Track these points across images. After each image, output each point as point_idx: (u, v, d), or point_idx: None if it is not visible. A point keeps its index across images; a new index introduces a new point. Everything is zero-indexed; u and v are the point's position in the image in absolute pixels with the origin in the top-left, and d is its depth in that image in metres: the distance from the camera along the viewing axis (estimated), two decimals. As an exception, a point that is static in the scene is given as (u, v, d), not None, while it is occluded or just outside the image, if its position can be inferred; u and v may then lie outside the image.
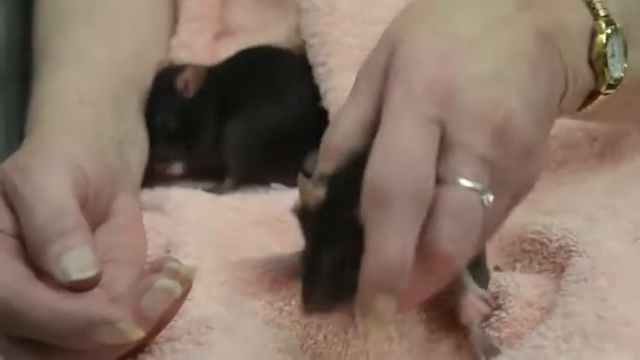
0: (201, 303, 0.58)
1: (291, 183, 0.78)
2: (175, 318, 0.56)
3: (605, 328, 0.53)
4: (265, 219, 0.69)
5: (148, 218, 0.67)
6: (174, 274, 0.52)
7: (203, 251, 0.63)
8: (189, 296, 0.58)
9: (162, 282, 0.52)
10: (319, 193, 0.50)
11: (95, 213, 0.60)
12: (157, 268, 0.53)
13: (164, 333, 0.55)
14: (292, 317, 0.62)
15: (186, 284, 0.53)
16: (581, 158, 0.75)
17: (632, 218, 0.64)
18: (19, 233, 0.55)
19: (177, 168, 0.80)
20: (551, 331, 0.53)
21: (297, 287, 0.62)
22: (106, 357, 0.53)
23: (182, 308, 0.58)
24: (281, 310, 0.62)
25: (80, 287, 0.52)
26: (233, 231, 0.67)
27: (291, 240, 0.68)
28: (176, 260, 0.54)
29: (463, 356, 0.59)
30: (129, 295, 0.52)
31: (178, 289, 0.52)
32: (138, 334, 0.50)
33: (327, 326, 0.60)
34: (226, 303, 0.59)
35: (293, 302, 0.62)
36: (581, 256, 0.59)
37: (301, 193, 0.51)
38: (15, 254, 0.54)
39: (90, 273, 0.52)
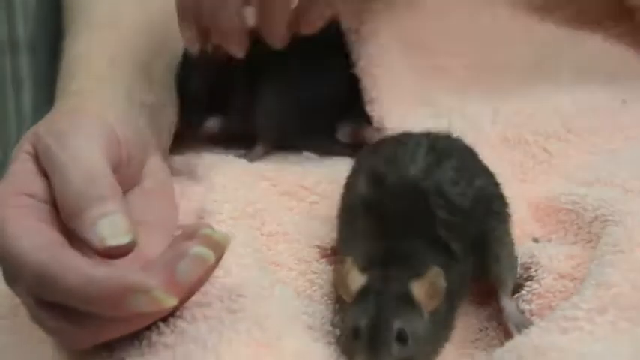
0: (233, 271, 0.58)
1: (322, 151, 0.78)
2: (207, 285, 0.56)
3: None
4: (297, 190, 0.69)
5: (179, 184, 0.68)
6: (209, 241, 0.52)
7: (236, 219, 0.63)
8: (220, 264, 0.58)
9: (198, 249, 0.51)
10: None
11: (127, 177, 0.60)
12: (191, 234, 0.52)
13: (195, 299, 0.55)
14: (323, 290, 0.62)
15: (219, 251, 0.53)
16: (613, 127, 0.75)
17: None
18: (51, 199, 0.55)
19: (212, 124, 0.80)
20: (585, 303, 0.53)
21: (328, 262, 0.64)
22: (137, 324, 0.52)
23: (213, 275, 0.58)
24: (312, 282, 0.63)
25: (115, 254, 0.52)
26: (265, 201, 0.67)
27: (323, 212, 0.68)
28: (210, 226, 0.53)
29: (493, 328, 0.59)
30: (162, 262, 0.51)
31: (212, 257, 0.51)
32: (171, 302, 0.50)
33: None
34: (258, 271, 0.59)
35: (324, 276, 0.63)
36: (617, 226, 0.58)
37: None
38: (48, 220, 0.54)
39: (125, 239, 0.52)
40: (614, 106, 0.76)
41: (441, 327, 0.54)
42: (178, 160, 0.75)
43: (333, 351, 0.56)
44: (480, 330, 0.60)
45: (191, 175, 0.69)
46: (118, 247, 0.52)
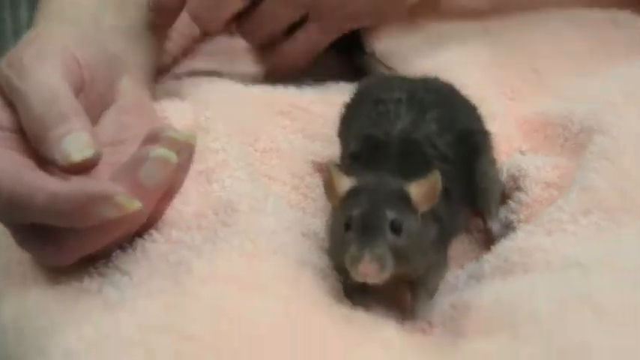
0: (227, 185, 0.59)
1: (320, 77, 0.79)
2: (202, 197, 0.58)
3: (627, 203, 0.54)
4: (292, 109, 0.70)
5: (171, 103, 0.69)
6: (171, 143, 0.53)
7: (230, 135, 0.64)
8: (214, 178, 0.59)
9: (158, 151, 0.52)
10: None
11: (95, 97, 0.61)
12: (154, 137, 0.53)
13: (190, 210, 0.57)
14: (316, 204, 0.64)
15: (187, 150, 0.54)
16: (606, 51, 0.75)
17: None
18: (19, 128, 0.56)
19: None
20: (569, 206, 0.54)
21: (321, 176, 0.65)
22: (114, 233, 0.53)
23: (207, 190, 0.59)
24: (306, 196, 0.64)
25: (80, 169, 0.53)
26: (259, 119, 0.68)
27: (317, 130, 0.69)
28: (173, 129, 0.54)
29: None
30: (125, 168, 0.52)
31: (174, 158, 0.52)
32: (135, 205, 0.50)
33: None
34: (251, 184, 0.60)
35: (318, 190, 0.64)
36: (603, 135, 0.59)
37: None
38: (16, 148, 0.55)
39: (88, 153, 0.53)
40: (607, 28, 0.77)
41: (433, 236, 0.55)
42: (174, 83, 0.76)
43: (328, 260, 0.57)
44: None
45: (185, 95, 0.70)
46: (83, 162, 0.53)
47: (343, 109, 0.65)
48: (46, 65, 0.57)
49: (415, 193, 0.52)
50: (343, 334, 0.51)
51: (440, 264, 0.56)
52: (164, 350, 0.46)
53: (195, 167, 0.59)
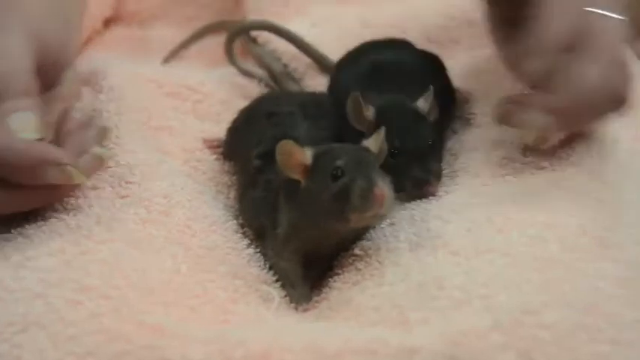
0: (121, 160, 0.64)
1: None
2: (100, 173, 0.62)
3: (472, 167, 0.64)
4: (181, 90, 0.75)
5: None
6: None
7: (121, 114, 0.68)
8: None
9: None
10: None
11: (55, 63, 0.63)
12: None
13: (90, 184, 0.61)
14: (206, 175, 0.69)
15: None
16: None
17: None
18: None
19: None
20: None
21: (211, 152, 0.70)
22: (51, 197, 0.59)
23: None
24: (196, 168, 0.69)
25: None
26: (151, 100, 0.72)
27: (207, 109, 0.75)
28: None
29: None
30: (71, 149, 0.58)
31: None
32: (81, 178, 0.57)
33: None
34: (145, 154, 0.65)
35: (208, 164, 0.70)
36: None
37: None
38: None
39: (33, 135, 0.57)
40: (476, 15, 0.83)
41: None
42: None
43: (222, 208, 0.64)
44: None
45: (83, 78, 0.73)
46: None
47: (229, 133, 0.70)
48: (14, 37, 0.60)
49: (373, 147, 0.58)
50: (228, 287, 0.57)
51: None
52: (62, 300, 0.51)
53: None
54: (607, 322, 0.48)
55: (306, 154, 0.57)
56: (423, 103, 0.63)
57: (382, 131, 0.59)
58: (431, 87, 0.64)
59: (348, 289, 0.56)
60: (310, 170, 0.57)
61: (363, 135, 0.61)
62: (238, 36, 0.81)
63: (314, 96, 0.72)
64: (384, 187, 0.54)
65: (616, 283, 0.50)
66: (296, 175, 0.57)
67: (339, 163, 0.55)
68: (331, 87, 0.73)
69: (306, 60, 0.79)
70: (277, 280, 0.60)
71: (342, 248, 0.59)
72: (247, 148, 0.65)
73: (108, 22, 0.91)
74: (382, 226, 0.59)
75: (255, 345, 0.48)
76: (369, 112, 0.63)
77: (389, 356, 0.47)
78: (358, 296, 0.54)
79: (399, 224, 0.59)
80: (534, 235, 0.54)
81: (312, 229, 0.58)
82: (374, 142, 0.58)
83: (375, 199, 0.53)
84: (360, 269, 0.57)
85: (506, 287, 0.50)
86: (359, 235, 0.59)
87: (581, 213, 0.56)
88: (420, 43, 0.77)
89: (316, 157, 0.57)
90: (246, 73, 0.79)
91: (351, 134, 0.63)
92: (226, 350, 0.48)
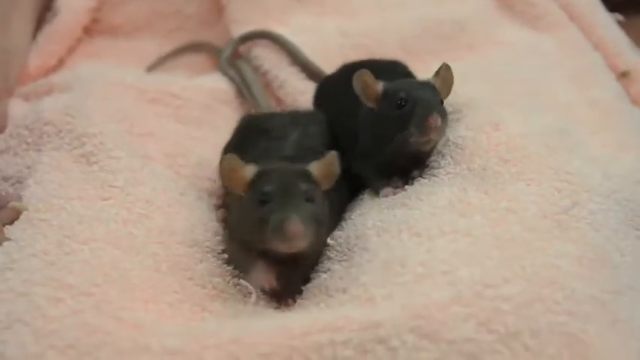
0: (105, 165, 0.66)
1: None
2: (83, 178, 0.65)
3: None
4: (162, 96, 0.77)
5: (54, 95, 0.75)
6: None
7: (106, 123, 0.70)
8: (94, 160, 0.66)
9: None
10: None
11: None
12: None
13: (73, 185, 0.64)
14: (189, 180, 0.71)
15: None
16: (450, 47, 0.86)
17: None
18: None
19: None
20: None
21: (191, 155, 0.72)
22: None
23: (87, 170, 0.66)
24: (179, 173, 0.71)
25: None
26: (134, 107, 0.74)
27: (189, 114, 0.77)
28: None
29: None
30: None
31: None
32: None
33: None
34: (128, 159, 0.67)
35: (188, 169, 0.72)
36: None
37: None
38: None
39: None
40: (451, 29, 0.86)
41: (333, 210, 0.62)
42: (58, 75, 0.82)
43: (205, 210, 0.67)
44: None
45: (67, 87, 0.76)
46: None
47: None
48: None
49: (316, 171, 0.59)
50: (206, 284, 0.59)
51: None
52: (44, 298, 0.52)
53: (77, 151, 0.67)
54: (564, 296, 0.50)
55: (248, 171, 0.58)
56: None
57: (333, 155, 0.59)
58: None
59: (319, 277, 0.59)
60: (248, 187, 0.58)
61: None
62: (243, 43, 0.84)
63: (304, 111, 0.74)
64: (297, 224, 0.54)
65: (575, 262, 0.53)
66: (238, 190, 0.59)
67: (268, 189, 0.56)
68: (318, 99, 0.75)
69: (289, 69, 0.81)
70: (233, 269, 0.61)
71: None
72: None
73: (92, 32, 0.92)
74: (352, 216, 0.62)
75: (228, 332, 0.50)
76: (379, 87, 0.64)
77: (354, 331, 0.48)
78: (327, 281, 0.57)
79: (367, 214, 0.61)
80: (496, 218, 0.56)
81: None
82: (319, 168, 0.59)
83: (287, 234, 0.54)
84: (331, 257, 0.60)
85: (467, 263, 0.52)
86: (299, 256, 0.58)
87: (542, 199, 0.58)
88: (396, 54, 0.79)
89: (255, 177, 0.58)
90: (233, 79, 0.82)
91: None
92: (201, 338, 0.49)
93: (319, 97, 0.76)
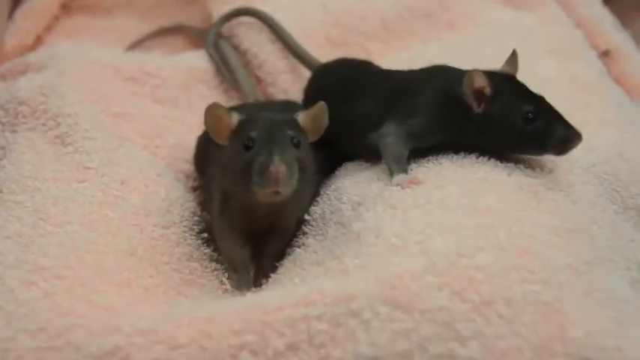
0: (80, 147, 0.65)
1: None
2: (60, 157, 0.64)
3: None
4: (139, 75, 0.76)
5: (30, 74, 0.73)
6: None
7: (82, 102, 0.69)
8: (69, 142, 0.65)
9: None
10: None
11: None
12: None
13: (47, 166, 0.63)
14: (165, 161, 0.70)
15: None
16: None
17: None
18: None
19: None
20: None
21: (168, 136, 0.71)
22: None
23: (63, 151, 0.65)
24: (155, 154, 0.71)
25: None
26: (110, 86, 0.74)
27: (166, 94, 0.76)
28: None
29: None
30: None
31: None
32: None
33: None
34: (104, 139, 0.66)
35: (166, 150, 0.71)
36: None
37: None
38: None
39: None
40: (433, 8, 0.85)
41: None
42: (34, 55, 0.80)
43: (182, 190, 0.66)
44: None
45: (43, 66, 0.74)
46: None
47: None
48: None
49: (303, 120, 0.59)
50: (183, 269, 0.59)
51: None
52: (17, 281, 0.52)
53: (52, 132, 0.66)
54: (539, 265, 0.49)
55: (233, 119, 0.58)
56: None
57: (322, 105, 0.59)
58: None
59: (294, 252, 0.59)
60: (232, 136, 0.58)
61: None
62: (228, 21, 0.82)
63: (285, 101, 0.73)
64: (281, 166, 0.53)
65: (550, 232, 0.52)
66: (222, 140, 0.58)
67: (253, 134, 0.56)
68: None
69: (268, 48, 0.80)
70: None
71: (277, 227, 0.61)
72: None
73: (70, 11, 0.91)
74: (327, 192, 0.62)
75: (201, 312, 0.50)
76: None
77: (327, 305, 0.48)
78: (302, 255, 0.57)
79: (343, 188, 0.61)
80: (472, 189, 0.56)
81: (238, 198, 0.58)
82: (307, 117, 0.59)
83: (271, 178, 0.54)
84: (306, 232, 0.60)
85: (441, 233, 0.51)
86: (283, 212, 0.59)
87: (519, 172, 0.58)
88: (377, 32, 0.78)
89: (239, 125, 0.58)
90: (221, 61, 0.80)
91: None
92: (173, 319, 0.49)
93: (313, 85, 0.74)
